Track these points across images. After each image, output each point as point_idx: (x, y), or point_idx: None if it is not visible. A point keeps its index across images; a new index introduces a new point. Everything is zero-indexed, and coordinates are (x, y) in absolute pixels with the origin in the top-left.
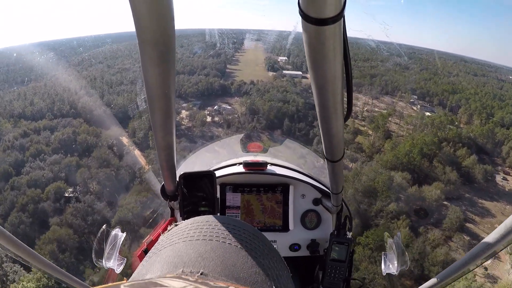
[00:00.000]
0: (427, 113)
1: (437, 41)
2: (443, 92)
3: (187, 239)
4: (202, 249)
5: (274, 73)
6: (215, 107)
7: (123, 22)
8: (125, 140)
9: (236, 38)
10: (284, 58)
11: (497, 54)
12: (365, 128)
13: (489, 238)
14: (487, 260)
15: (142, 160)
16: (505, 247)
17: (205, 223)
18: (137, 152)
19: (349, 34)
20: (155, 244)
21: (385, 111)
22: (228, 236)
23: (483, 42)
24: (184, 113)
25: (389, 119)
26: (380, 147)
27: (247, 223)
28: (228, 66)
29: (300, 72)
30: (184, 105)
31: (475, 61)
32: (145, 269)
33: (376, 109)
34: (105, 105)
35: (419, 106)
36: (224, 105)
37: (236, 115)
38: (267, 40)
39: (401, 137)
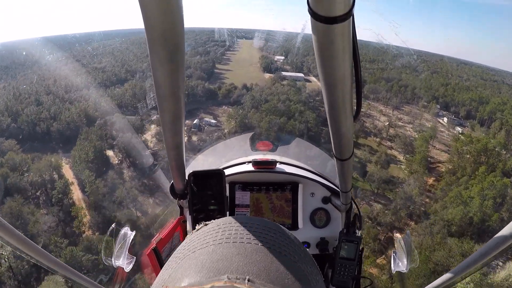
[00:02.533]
0: (458, 128)
1: (430, 43)
2: (470, 101)
3: (223, 241)
4: (242, 253)
5: (272, 75)
6: (195, 121)
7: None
8: (67, 171)
9: (230, 36)
10: (282, 57)
11: (486, 56)
12: (394, 151)
13: (499, 235)
14: (496, 258)
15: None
16: None
17: (239, 224)
18: (77, 195)
19: (358, 33)
20: (183, 244)
21: (411, 126)
22: (265, 239)
23: (473, 44)
24: (151, 129)
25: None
26: (428, 187)
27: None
28: (217, 65)
29: (301, 74)
30: (155, 117)
31: (473, 64)
32: (180, 273)
33: (400, 123)
34: (52, 118)
35: (445, 119)
36: (207, 118)
37: (223, 134)
38: (266, 39)
39: (446, 166)
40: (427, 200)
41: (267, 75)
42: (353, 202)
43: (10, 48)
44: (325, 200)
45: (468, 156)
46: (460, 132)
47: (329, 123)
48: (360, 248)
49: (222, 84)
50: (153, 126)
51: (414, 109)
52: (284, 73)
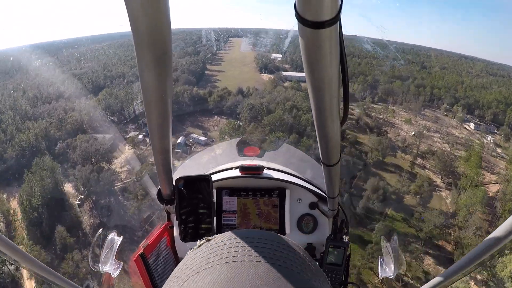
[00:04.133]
0: (489, 137)
1: (414, 37)
2: (498, 103)
3: (230, 260)
4: (252, 273)
5: (271, 76)
6: (179, 139)
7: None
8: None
9: (222, 35)
10: (279, 55)
11: (479, 49)
12: (428, 171)
13: (493, 235)
14: (490, 258)
15: None
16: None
17: (246, 239)
18: None
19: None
20: (185, 263)
21: (438, 136)
22: (274, 255)
23: (462, 37)
24: (125, 151)
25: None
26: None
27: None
28: (207, 66)
29: (304, 74)
30: (131, 134)
31: (472, 58)
32: None
33: (426, 132)
34: (8, 140)
35: (472, 125)
36: (195, 134)
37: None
38: (260, 38)
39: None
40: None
41: (265, 76)
42: (340, 208)
43: None
44: (312, 206)
45: None
46: (492, 141)
47: (316, 128)
48: (347, 253)
49: (213, 89)
50: (127, 147)
51: (436, 113)
52: (284, 73)
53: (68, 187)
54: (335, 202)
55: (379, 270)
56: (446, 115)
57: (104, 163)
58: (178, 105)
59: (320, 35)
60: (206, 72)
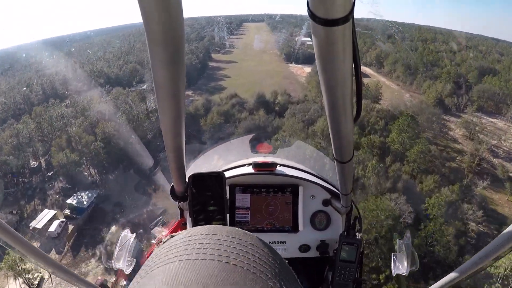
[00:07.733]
0: None
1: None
2: None
3: (184, 258)
4: (202, 273)
5: (304, 67)
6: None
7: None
8: None
9: (233, 21)
10: (308, 38)
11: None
12: None
13: (507, 232)
14: (503, 256)
15: None
16: None
17: (205, 236)
18: None
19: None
20: (148, 260)
21: None
22: (232, 254)
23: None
24: None
25: None
26: None
27: (250, 232)
28: (213, 55)
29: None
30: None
31: (502, 41)
32: None
33: None
34: None
35: None
36: None
37: None
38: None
39: None
40: None
41: (296, 68)
42: (353, 205)
43: None
44: (326, 202)
45: None
46: None
47: (329, 125)
48: (360, 250)
49: (215, 92)
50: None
51: None
52: None
53: None
54: (348, 199)
55: (392, 267)
56: None
57: None
58: (146, 142)
59: (333, 32)
60: (209, 64)
